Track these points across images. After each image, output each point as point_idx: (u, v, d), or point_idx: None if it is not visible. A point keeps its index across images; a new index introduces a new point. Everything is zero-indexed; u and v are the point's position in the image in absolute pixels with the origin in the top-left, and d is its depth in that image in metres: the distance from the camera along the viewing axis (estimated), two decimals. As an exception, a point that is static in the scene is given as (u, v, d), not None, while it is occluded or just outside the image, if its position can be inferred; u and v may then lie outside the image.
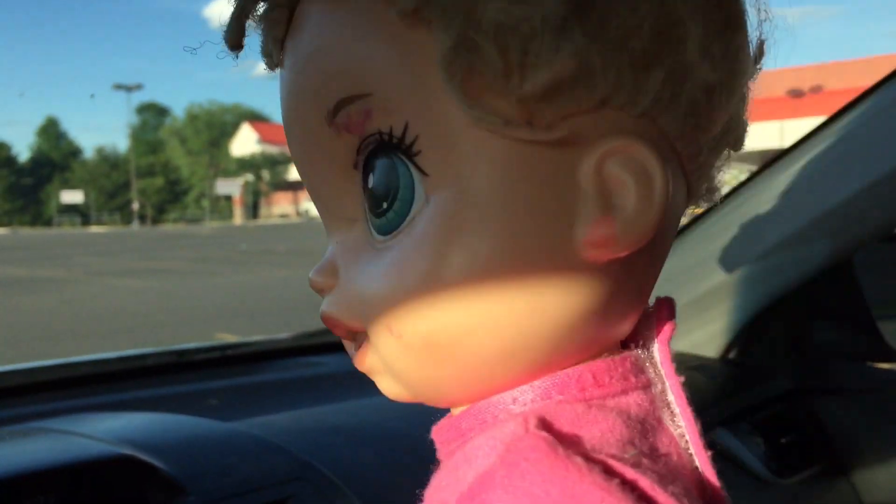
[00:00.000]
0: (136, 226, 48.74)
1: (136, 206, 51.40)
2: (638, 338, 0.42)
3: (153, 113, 69.95)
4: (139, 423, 1.01)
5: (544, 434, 0.34)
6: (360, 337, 0.41)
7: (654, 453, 0.38)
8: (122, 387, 1.36)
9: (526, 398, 0.38)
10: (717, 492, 0.41)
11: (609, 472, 0.33)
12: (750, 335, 1.53)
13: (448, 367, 0.38)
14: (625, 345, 0.42)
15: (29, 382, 1.31)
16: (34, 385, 1.31)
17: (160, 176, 57.32)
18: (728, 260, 1.45)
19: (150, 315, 8.27)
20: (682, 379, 0.41)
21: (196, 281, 11.71)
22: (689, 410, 0.40)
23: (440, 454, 0.43)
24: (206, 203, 53.98)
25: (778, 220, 1.41)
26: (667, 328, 0.42)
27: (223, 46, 0.42)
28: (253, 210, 53.05)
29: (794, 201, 1.40)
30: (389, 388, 0.42)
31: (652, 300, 0.44)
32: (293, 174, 53.37)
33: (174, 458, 0.87)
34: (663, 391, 0.41)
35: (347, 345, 0.43)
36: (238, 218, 50.95)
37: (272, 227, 35.34)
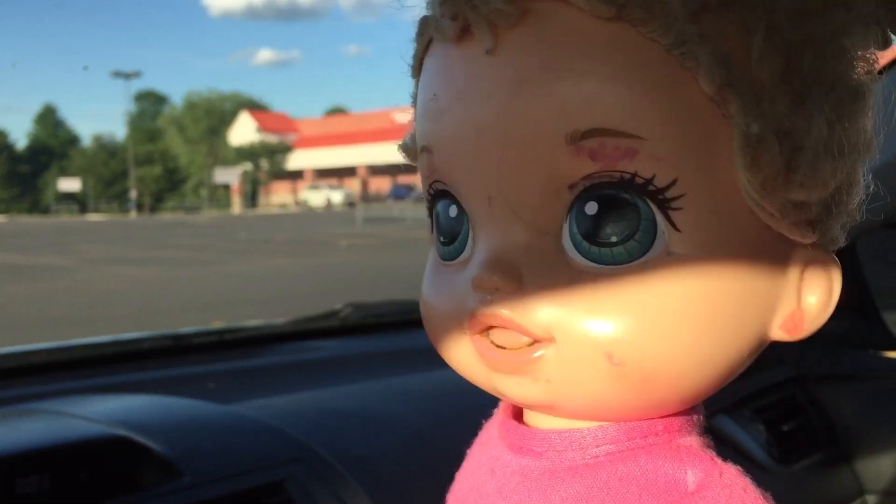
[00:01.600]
0: (133, 214, 48.69)
1: (133, 194, 51.29)
2: None
3: (151, 101, 69.63)
4: (134, 405, 1.00)
5: (739, 469, 0.41)
6: (506, 338, 0.41)
7: None
8: (118, 370, 1.35)
9: (689, 429, 0.44)
10: None
11: None
12: (752, 322, 1.52)
13: (649, 398, 0.41)
14: None
15: (25, 365, 1.30)
16: (30, 367, 1.29)
17: (158, 164, 57.12)
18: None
19: (147, 302, 8.25)
20: None
21: (194, 269, 11.69)
22: None
23: (549, 460, 0.44)
24: (204, 192, 53.84)
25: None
26: None
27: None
28: (251, 199, 52.91)
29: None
30: (535, 393, 0.42)
31: None
32: (292, 163, 53.30)
33: (169, 439, 0.86)
34: None
35: (459, 336, 0.43)
36: (236, 207, 50.81)
37: (271, 217, 35.30)
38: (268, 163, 52.58)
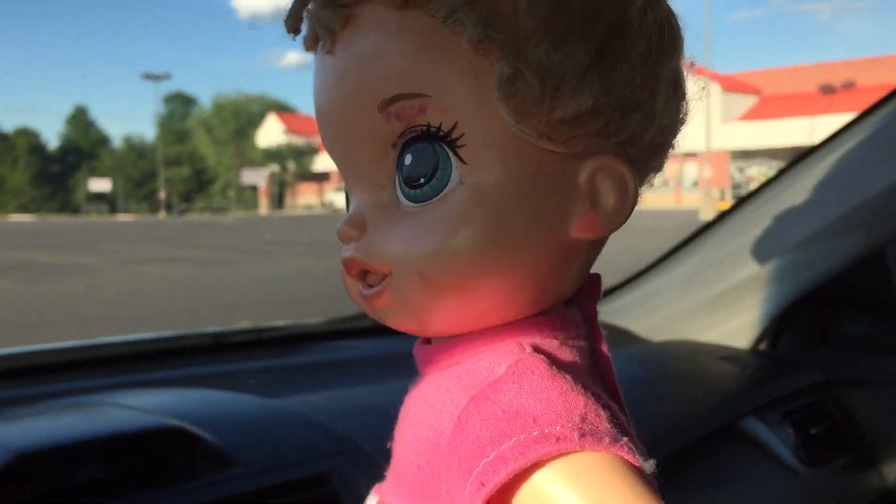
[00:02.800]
0: (163, 214, 49.19)
1: (162, 194, 51.81)
2: (575, 302, 0.55)
3: (180, 102, 70.21)
4: (186, 398, 1.04)
5: (541, 356, 0.47)
6: (373, 278, 0.50)
7: (596, 382, 0.51)
8: (160, 367, 1.39)
9: (513, 332, 0.50)
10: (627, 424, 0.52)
11: (584, 387, 0.46)
12: (781, 326, 1.53)
13: (461, 304, 0.48)
14: (567, 305, 0.54)
15: (70, 360, 1.34)
16: (76, 363, 1.34)
17: (187, 165, 57.65)
18: (759, 252, 1.46)
19: (175, 302, 8.35)
20: (605, 333, 0.54)
21: (221, 269, 11.81)
22: (608, 357, 0.53)
23: (426, 369, 0.54)
24: (231, 193, 54.28)
25: (810, 212, 1.42)
26: (596, 296, 0.56)
27: (284, 30, 0.52)
28: (278, 200, 53.26)
29: (827, 195, 1.40)
30: (399, 318, 0.51)
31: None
32: (319, 165, 53.49)
33: (221, 430, 0.90)
34: (592, 341, 0.54)
35: (352, 282, 0.52)
36: (263, 208, 51.16)
37: (297, 218, 35.51)
38: (294, 164, 52.89)
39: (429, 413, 0.51)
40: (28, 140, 60.54)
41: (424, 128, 0.47)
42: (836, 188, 1.39)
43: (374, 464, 0.90)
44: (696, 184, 37.01)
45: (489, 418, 0.44)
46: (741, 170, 35.42)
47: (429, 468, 0.50)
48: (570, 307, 0.54)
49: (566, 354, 0.50)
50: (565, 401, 0.44)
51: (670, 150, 0.54)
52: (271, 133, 54.76)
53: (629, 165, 0.49)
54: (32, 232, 26.73)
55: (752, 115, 39.90)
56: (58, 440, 0.86)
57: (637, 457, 0.43)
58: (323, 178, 55.79)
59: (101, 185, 55.49)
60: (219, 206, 54.34)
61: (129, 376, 1.34)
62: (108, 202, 57.86)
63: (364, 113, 0.48)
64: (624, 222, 0.50)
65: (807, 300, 1.50)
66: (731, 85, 41.01)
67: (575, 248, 0.50)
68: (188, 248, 16.36)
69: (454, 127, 0.46)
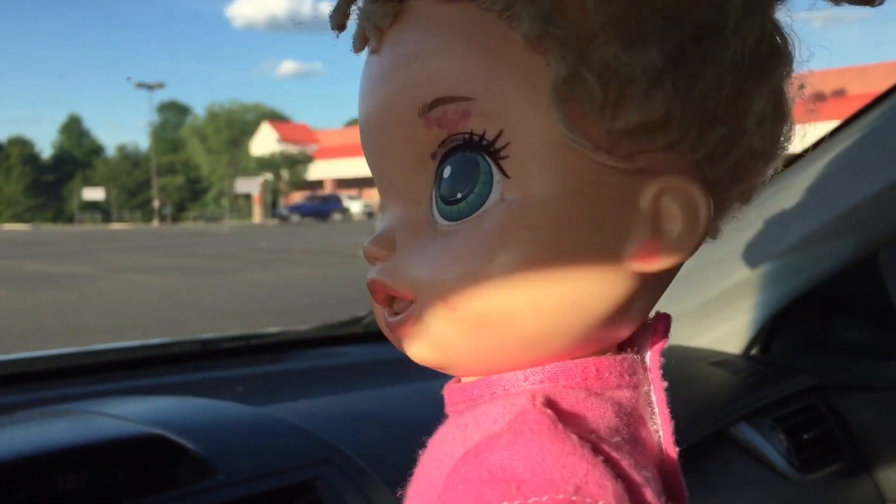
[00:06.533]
0: (156, 223, 49.12)
1: (156, 203, 51.71)
2: (634, 344, 0.48)
3: (174, 112, 70.22)
4: (169, 406, 1.03)
5: (548, 411, 0.40)
6: (399, 304, 0.45)
7: (634, 441, 0.44)
8: (148, 373, 1.38)
9: (535, 378, 0.44)
10: (679, 484, 0.47)
11: (596, 450, 0.39)
12: (772, 331, 1.53)
13: (488, 340, 0.43)
14: (621, 347, 0.47)
15: (58, 368, 1.33)
16: (63, 370, 1.33)
17: (180, 174, 57.58)
18: (751, 256, 1.46)
19: (169, 311, 8.32)
20: (666, 384, 0.47)
21: (215, 278, 11.78)
22: (666, 412, 0.46)
23: (448, 410, 0.48)
24: (225, 202, 54.23)
25: (801, 216, 1.41)
26: (660, 340, 0.48)
27: (329, 27, 0.47)
28: (272, 209, 53.25)
29: (818, 198, 1.40)
30: (420, 352, 0.45)
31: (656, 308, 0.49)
32: (312, 174, 53.54)
33: (203, 438, 0.89)
34: (648, 392, 0.46)
35: (379, 309, 0.47)
36: (257, 217, 51.16)
37: (290, 226, 35.46)
38: (288, 173, 52.85)
39: (431, 464, 0.46)
40: (22, 149, 60.44)
41: (467, 136, 0.41)
42: (827, 192, 1.39)
43: (360, 472, 0.89)
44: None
45: (473, 479, 0.38)
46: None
47: None
48: (622, 351, 0.47)
49: (592, 408, 0.42)
50: (562, 466, 0.37)
51: (760, 179, 0.46)
52: (265, 142, 54.72)
53: (703, 188, 0.42)
54: (26, 241, 26.66)
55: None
56: (39, 449, 0.85)
57: None
58: (317, 186, 55.77)
59: (94, 194, 55.34)
60: (212, 215, 54.26)
61: (118, 384, 1.33)
62: (101, 211, 57.72)
63: (404, 118, 0.42)
64: (690, 254, 0.43)
65: (799, 305, 1.50)
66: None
67: (632, 282, 0.43)
68: (182, 256, 16.32)
69: (499, 135, 0.40)
